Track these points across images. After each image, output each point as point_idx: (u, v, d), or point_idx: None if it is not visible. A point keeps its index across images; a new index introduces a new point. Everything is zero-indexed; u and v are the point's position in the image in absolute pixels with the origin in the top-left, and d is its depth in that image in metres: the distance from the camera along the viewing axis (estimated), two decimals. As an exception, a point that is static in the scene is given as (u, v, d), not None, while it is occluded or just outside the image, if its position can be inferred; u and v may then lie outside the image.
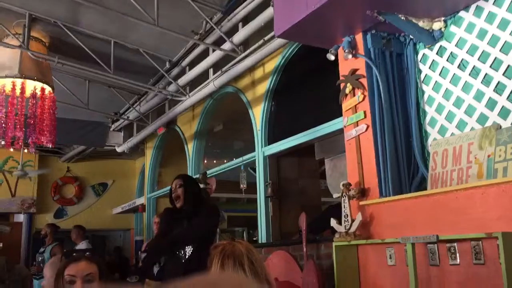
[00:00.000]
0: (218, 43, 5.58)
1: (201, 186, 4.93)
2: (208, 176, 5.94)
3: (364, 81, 3.12)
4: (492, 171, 2.51)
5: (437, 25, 2.98)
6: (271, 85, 5.40)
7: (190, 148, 7.22)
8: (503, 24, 2.65)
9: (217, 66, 5.89)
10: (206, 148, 7.32)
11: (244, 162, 5.93)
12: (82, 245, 7.09)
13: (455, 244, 2.43)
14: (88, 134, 8.61)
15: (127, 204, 10.28)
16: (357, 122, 3.16)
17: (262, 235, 5.29)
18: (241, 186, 5.78)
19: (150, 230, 8.37)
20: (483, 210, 2.33)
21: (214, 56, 5.75)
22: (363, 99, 3.12)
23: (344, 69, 3.30)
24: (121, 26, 5.78)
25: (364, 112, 3.10)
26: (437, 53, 3.01)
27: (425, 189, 2.88)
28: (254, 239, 5.99)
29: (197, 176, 5.92)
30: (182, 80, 6.45)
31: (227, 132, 8.04)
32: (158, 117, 7.68)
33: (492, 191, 2.31)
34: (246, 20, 5.22)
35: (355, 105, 3.18)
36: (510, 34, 2.61)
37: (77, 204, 10.71)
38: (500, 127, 2.58)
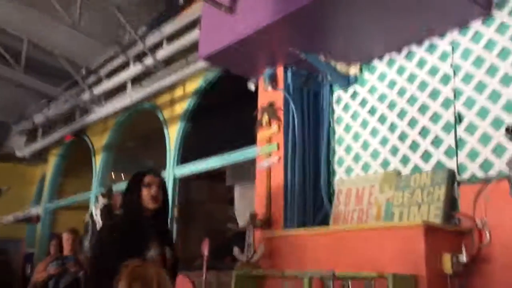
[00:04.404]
0: (141, 57, 5.46)
1: (105, 201, 4.71)
2: (113, 192, 5.69)
3: (281, 114, 3.20)
4: (390, 214, 2.65)
5: (353, 70, 3.15)
6: (190, 107, 5.36)
7: (98, 160, 6.90)
8: (411, 78, 2.85)
9: (137, 80, 5.75)
10: (115, 163, 7.04)
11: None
12: None
13: (350, 281, 2.50)
14: (-15, 133, 7.95)
15: (21, 214, 9.54)
16: (270, 153, 3.21)
17: (163, 258, 5.13)
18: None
19: (44, 243, 7.82)
20: (378, 251, 2.44)
21: (134, 69, 5.61)
22: (278, 131, 3.19)
23: (263, 100, 3.36)
24: (39, 25, 5.46)
25: (278, 144, 3.16)
26: (350, 97, 3.17)
27: (328, 224, 2.97)
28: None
29: (102, 190, 5.65)
30: (98, 89, 6.21)
31: (139, 148, 7.81)
32: (67, 124, 7.30)
33: (387, 234, 2.43)
34: (171, 38, 5.17)
35: (270, 136, 3.24)
36: (417, 88, 2.81)
37: (-37, 209, 9.76)
38: (400, 173, 2.74)
